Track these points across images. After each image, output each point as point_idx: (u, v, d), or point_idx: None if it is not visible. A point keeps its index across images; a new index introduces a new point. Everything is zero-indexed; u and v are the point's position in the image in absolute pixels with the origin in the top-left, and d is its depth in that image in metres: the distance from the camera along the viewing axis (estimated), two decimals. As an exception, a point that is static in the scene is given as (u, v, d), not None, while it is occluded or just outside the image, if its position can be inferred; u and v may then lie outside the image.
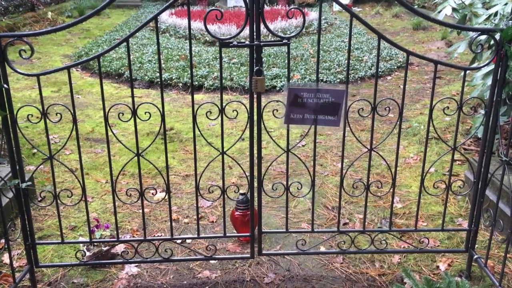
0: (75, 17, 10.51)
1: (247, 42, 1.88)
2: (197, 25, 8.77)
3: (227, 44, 1.88)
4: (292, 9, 1.92)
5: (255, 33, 1.87)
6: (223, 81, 5.82)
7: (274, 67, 6.42)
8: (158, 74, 5.97)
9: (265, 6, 11.91)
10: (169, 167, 3.73)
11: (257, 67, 1.91)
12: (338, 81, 5.94)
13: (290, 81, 6.27)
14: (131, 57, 6.65)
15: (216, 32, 8.25)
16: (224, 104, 2.04)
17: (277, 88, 5.72)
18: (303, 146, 4.08)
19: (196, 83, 5.78)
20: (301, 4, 12.55)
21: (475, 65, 3.58)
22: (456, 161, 3.64)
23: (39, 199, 3.06)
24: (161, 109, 2.07)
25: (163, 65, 6.33)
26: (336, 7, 12.67)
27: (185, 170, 3.68)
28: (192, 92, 2.09)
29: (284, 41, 1.90)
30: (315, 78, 5.97)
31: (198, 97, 5.51)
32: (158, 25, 9.26)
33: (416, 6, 11.06)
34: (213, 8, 1.91)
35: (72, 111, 1.98)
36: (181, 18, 9.32)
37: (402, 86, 5.82)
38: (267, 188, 3.28)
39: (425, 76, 6.23)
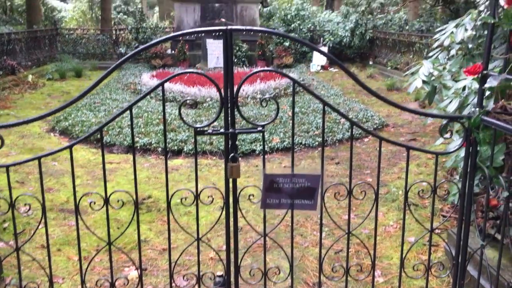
0: (56, 79, 10.60)
1: (222, 130, 1.90)
2: (177, 87, 8.90)
3: (202, 132, 1.89)
4: (266, 98, 1.96)
5: (229, 121, 1.89)
6: (203, 145, 5.83)
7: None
8: (137, 139, 5.98)
9: (244, 68, 12.26)
10: (146, 240, 3.64)
11: (232, 154, 1.91)
12: (317, 144, 6.02)
13: (270, 144, 6.22)
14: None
15: (196, 94, 8.37)
16: (199, 191, 2.02)
17: (257, 152, 5.76)
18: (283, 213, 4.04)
19: (176, 148, 5.78)
20: (279, 65, 12.96)
21: (447, 135, 3.69)
22: (435, 229, 3.64)
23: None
24: (136, 192, 2.02)
25: (142, 129, 6.34)
26: (313, 68, 13.14)
27: (162, 243, 3.58)
28: (166, 177, 2.06)
29: (259, 128, 1.92)
30: (295, 142, 6.05)
31: (178, 162, 5.49)
32: (139, 88, 9.38)
33: (389, 68, 11.56)
34: (188, 98, 1.93)
35: (41, 203, 1.92)
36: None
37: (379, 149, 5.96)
38: (245, 263, 3.21)
39: (401, 138, 6.37)
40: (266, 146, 5.73)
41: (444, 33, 3.93)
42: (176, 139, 5.93)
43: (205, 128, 1.88)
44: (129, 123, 6.62)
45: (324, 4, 24.15)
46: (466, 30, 3.44)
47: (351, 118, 2.04)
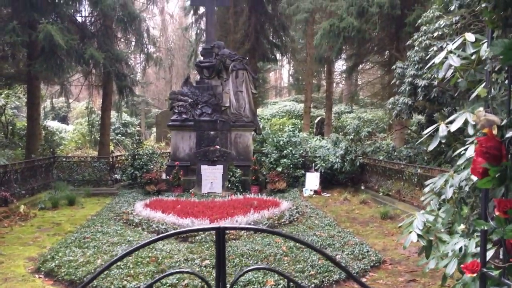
0: (48, 209, 10.51)
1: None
2: (169, 218, 8.83)
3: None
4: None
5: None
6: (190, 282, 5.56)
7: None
8: (125, 283, 5.71)
9: (238, 194, 12.32)
10: None
11: None
12: (313, 287, 5.77)
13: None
14: (99, 260, 6.45)
15: (189, 226, 8.27)
16: None
17: (251, 299, 5.48)
18: None
19: (166, 293, 5.50)
20: (272, 190, 13.08)
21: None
22: None
23: None
24: None
25: (131, 271, 6.09)
26: (306, 193, 13.25)
27: None
28: None
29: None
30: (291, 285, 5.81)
31: (167, 310, 5.18)
32: (132, 218, 9.26)
33: (381, 194, 11.68)
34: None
35: None
36: (155, 211, 9.40)
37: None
38: None
39: (400, 278, 6.15)
40: (260, 290, 5.48)
41: (434, 185, 4.03)
42: (166, 283, 5.67)
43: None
44: (118, 263, 6.37)
45: (314, 126, 25.29)
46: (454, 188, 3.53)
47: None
